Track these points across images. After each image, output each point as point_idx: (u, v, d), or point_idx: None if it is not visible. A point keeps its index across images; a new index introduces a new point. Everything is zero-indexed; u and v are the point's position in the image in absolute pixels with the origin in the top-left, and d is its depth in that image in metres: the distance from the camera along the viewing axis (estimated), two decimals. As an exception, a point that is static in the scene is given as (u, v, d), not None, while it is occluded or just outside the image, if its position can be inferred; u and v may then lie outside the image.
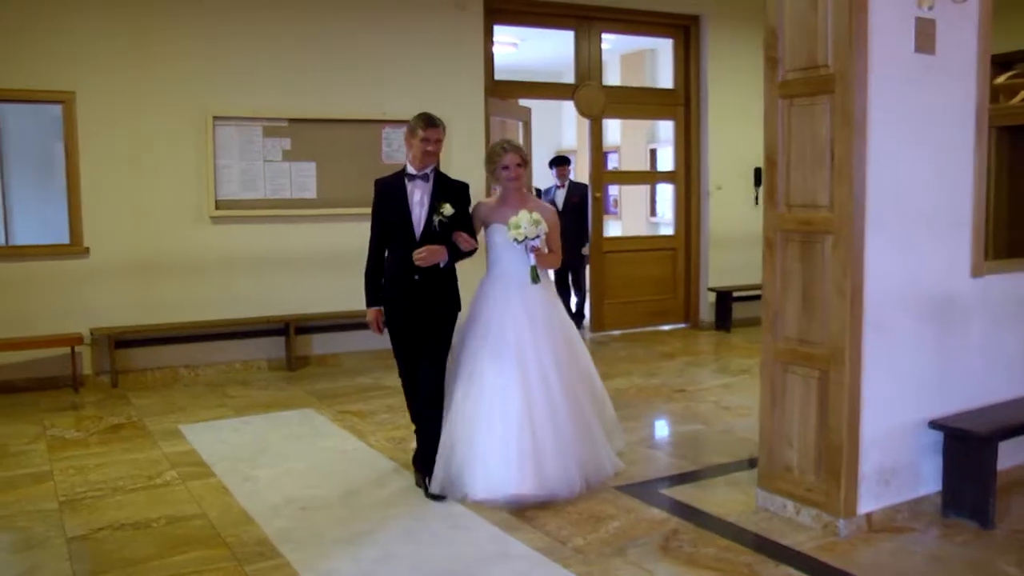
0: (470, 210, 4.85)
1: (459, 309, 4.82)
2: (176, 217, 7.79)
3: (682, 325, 10.31)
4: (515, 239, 4.61)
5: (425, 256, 4.61)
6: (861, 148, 3.95)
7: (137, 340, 7.67)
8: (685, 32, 10.18)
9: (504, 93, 9.42)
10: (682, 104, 10.26)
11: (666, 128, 11.31)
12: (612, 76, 13.49)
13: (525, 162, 4.84)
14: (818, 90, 4.05)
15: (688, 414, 6.44)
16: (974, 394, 4.58)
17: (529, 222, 4.60)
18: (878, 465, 4.21)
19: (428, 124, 4.66)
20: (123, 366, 7.62)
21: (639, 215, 13.62)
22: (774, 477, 4.39)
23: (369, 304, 4.82)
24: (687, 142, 10.28)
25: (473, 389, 4.61)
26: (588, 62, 9.82)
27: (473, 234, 4.78)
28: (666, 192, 11.25)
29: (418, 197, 4.69)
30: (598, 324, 10.02)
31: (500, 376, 4.56)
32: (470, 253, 4.74)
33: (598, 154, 9.93)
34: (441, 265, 4.69)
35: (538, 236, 4.62)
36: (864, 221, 4.00)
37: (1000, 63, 8.47)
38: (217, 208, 7.89)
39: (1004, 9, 7.74)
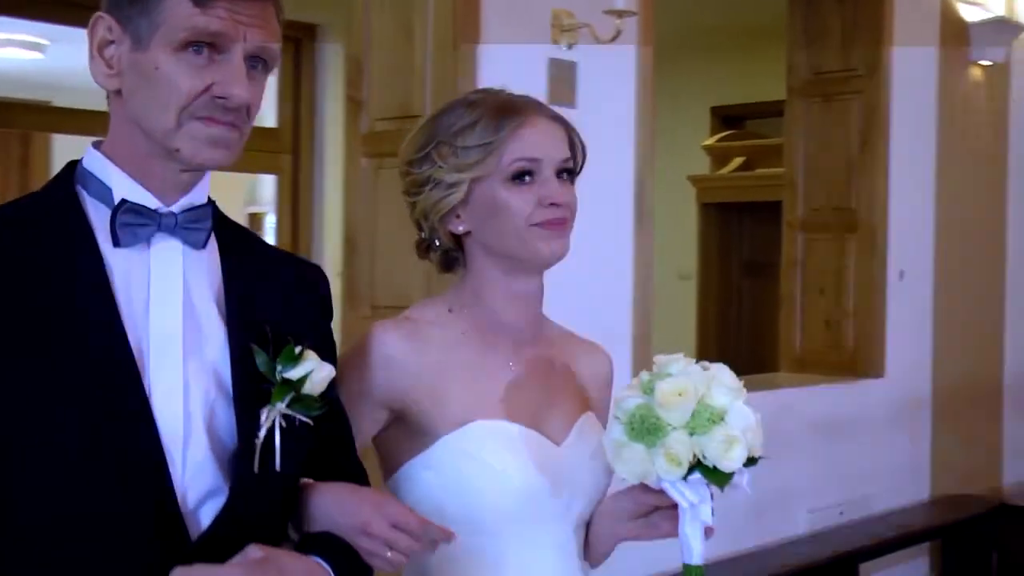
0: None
1: None
2: None
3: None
4: (701, 473, 1.79)
5: None
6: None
7: None
8: (295, 47, 9.68)
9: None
10: (289, 152, 9.83)
11: (271, 185, 10.85)
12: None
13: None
14: (411, 149, 3.78)
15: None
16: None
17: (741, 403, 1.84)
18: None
19: None
20: None
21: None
22: None
23: None
24: (295, 206, 9.84)
25: None
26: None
27: (357, 464, 1.82)
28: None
29: (170, 319, 1.50)
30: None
31: None
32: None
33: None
34: None
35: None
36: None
37: (727, 117, 8.71)
38: None
39: (736, 52, 7.97)
